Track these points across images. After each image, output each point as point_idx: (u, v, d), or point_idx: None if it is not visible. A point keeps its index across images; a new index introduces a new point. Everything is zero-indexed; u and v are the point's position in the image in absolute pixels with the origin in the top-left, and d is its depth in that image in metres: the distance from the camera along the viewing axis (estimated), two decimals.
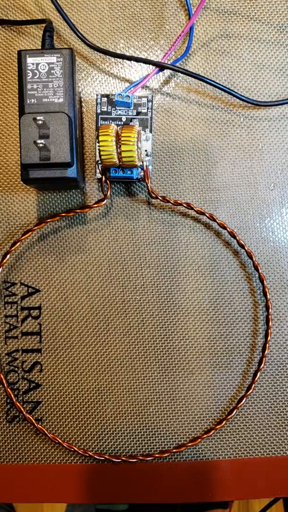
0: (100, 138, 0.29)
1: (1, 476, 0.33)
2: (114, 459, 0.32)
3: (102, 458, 0.32)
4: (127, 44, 0.35)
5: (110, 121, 0.33)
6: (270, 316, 0.33)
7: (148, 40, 0.35)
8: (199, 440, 0.33)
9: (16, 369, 0.34)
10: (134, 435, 0.33)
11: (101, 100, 0.33)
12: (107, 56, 0.34)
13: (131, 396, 0.34)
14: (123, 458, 0.32)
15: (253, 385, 0.33)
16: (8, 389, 0.32)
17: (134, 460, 0.32)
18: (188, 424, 0.33)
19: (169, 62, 0.33)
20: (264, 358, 0.33)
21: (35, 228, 0.33)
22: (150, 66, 0.34)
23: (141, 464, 0.33)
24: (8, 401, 0.33)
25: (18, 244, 0.33)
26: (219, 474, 0.33)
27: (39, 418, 0.33)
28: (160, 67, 0.33)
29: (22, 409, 0.32)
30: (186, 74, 0.33)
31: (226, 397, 0.34)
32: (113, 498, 0.33)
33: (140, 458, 0.32)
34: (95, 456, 0.32)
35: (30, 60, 0.30)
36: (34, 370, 0.34)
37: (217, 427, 0.33)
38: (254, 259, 0.33)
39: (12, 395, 0.32)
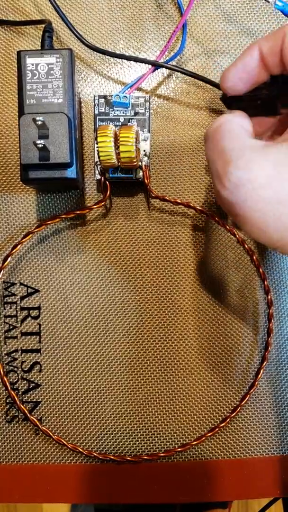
0: (99, 139, 0.29)
1: (1, 476, 0.33)
2: (117, 459, 0.32)
3: (108, 459, 0.32)
4: (126, 45, 0.35)
5: (108, 122, 0.33)
6: (270, 317, 0.33)
7: (147, 41, 0.35)
8: (203, 438, 0.33)
9: (16, 369, 0.34)
10: (133, 435, 0.33)
11: (98, 101, 0.33)
12: (107, 57, 0.34)
13: (130, 396, 0.34)
14: (128, 458, 0.32)
15: (256, 382, 0.33)
16: (12, 392, 0.32)
17: (138, 460, 0.32)
18: (188, 424, 0.33)
19: (163, 61, 0.33)
20: (266, 356, 0.33)
21: (35, 230, 0.33)
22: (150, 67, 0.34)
23: (141, 464, 0.33)
24: (8, 401, 0.33)
25: (19, 247, 0.33)
26: (219, 474, 0.33)
27: (39, 418, 0.33)
28: (156, 65, 0.32)
29: (26, 410, 0.32)
30: (182, 72, 0.33)
31: (226, 397, 0.34)
32: (113, 498, 0.33)
33: (145, 457, 0.32)
34: (100, 457, 0.32)
35: (29, 61, 0.30)
36: (34, 370, 0.34)
37: (221, 425, 0.33)
38: (254, 258, 0.33)
39: (16, 397, 0.32)
